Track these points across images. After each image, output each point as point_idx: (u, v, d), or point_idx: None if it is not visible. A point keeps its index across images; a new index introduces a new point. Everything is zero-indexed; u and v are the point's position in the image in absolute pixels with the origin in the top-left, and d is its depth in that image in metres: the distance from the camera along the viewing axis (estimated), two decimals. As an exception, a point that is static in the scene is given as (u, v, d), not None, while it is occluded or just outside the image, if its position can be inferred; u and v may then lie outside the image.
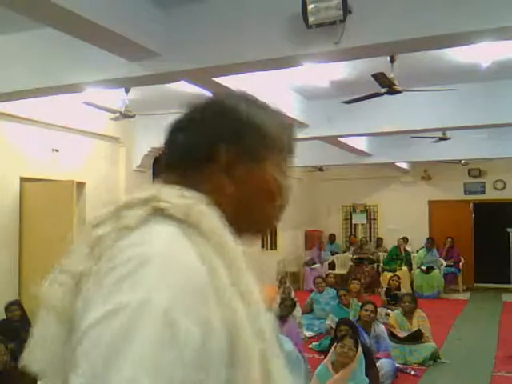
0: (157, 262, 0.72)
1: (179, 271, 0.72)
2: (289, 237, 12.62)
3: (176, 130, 0.94)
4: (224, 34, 4.08)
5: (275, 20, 3.92)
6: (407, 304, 6.79)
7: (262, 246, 11.83)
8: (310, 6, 3.54)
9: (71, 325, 0.75)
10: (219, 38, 4.12)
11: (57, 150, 7.05)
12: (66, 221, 6.54)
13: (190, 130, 0.92)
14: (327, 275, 9.62)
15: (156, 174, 0.96)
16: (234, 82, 4.96)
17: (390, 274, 10.07)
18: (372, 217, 14.03)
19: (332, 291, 8.24)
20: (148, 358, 0.65)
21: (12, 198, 6.51)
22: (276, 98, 6.41)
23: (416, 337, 6.39)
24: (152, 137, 7.92)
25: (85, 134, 7.50)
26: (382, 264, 11.97)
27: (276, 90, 6.47)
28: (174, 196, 0.82)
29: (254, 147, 0.93)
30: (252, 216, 0.94)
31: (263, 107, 0.99)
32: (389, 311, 7.64)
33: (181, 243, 0.76)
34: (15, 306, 6.01)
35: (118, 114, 6.45)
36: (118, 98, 6.43)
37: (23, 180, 6.62)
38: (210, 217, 0.81)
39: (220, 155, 0.90)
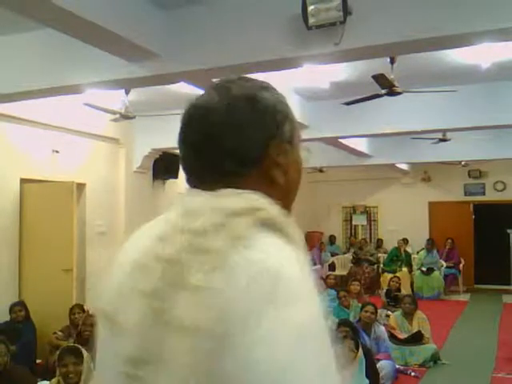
0: (290, 276, 0.76)
1: (308, 283, 0.78)
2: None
3: (213, 135, 0.89)
4: (224, 36, 4.09)
5: (275, 21, 3.93)
6: (407, 305, 6.79)
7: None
8: (310, 8, 3.54)
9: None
10: (219, 40, 4.13)
11: (57, 151, 7.05)
12: (66, 222, 6.54)
13: (235, 133, 0.89)
14: (327, 276, 9.61)
15: (191, 179, 0.94)
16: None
17: (391, 275, 10.06)
18: (372, 218, 14.03)
19: (332, 292, 8.24)
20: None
21: (12, 198, 6.51)
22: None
23: (416, 338, 6.39)
24: (152, 138, 7.92)
25: (85, 135, 7.50)
26: (382, 265, 11.97)
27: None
28: (267, 204, 0.83)
29: (288, 132, 0.94)
30: (292, 199, 0.99)
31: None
32: (389, 312, 7.62)
33: (291, 253, 0.80)
34: (19, 306, 6.02)
35: (118, 116, 6.45)
36: (118, 99, 6.43)
37: (23, 181, 6.62)
38: (292, 224, 0.85)
39: (271, 151, 0.91)
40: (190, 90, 5.59)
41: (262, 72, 4.89)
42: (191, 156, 0.92)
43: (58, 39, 4.25)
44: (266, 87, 0.95)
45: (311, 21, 3.57)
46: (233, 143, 0.88)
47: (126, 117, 6.46)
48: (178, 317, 0.74)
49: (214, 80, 1.01)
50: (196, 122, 0.91)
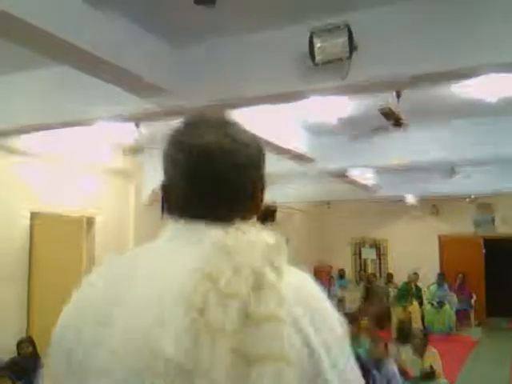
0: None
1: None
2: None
3: (223, 171, 0.98)
4: (233, 71, 4.18)
5: (283, 56, 4.02)
6: (418, 340, 6.69)
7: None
8: (317, 45, 3.62)
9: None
10: (228, 75, 4.22)
11: (67, 185, 7.13)
12: (76, 256, 6.57)
13: (240, 172, 1.00)
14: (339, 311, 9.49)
15: (190, 211, 1.00)
16: (242, 118, 5.04)
17: (401, 310, 9.94)
18: (381, 252, 13.95)
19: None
20: None
21: (22, 232, 6.55)
22: (284, 133, 6.49)
23: (429, 375, 6.28)
24: (161, 171, 7.99)
25: (95, 169, 7.59)
26: (392, 300, 11.84)
27: (284, 126, 6.55)
28: (282, 239, 0.96)
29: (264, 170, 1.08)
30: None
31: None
32: (400, 348, 7.51)
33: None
34: (27, 342, 5.99)
35: (128, 149, 6.54)
36: (128, 133, 6.53)
37: (33, 215, 6.68)
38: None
39: (262, 185, 1.06)
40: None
41: (270, 104, 4.99)
42: (200, 191, 0.99)
43: (71, 74, 4.36)
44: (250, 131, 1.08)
45: (318, 57, 3.65)
46: (244, 180, 1.00)
47: (136, 151, 6.55)
48: (265, 348, 0.80)
49: (198, 116, 1.07)
50: (209, 161, 0.97)
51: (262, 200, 1.06)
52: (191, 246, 0.93)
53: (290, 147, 6.61)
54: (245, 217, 0.99)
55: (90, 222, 7.35)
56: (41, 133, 5.71)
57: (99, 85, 4.28)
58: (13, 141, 6.04)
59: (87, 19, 3.53)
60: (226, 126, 1.03)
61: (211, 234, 0.93)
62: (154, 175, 8.23)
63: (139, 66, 3.97)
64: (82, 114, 4.84)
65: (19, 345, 5.93)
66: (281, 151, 6.61)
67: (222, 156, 0.98)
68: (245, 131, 1.05)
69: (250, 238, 0.91)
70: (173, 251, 0.96)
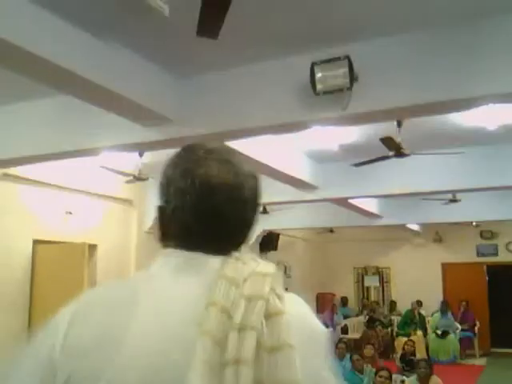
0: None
1: None
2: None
3: (225, 206, 1.00)
4: (235, 101, 4.24)
5: (284, 87, 4.07)
6: (422, 370, 6.61)
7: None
8: (318, 75, 3.67)
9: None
10: (230, 105, 4.27)
11: (70, 213, 7.15)
12: (78, 283, 6.54)
13: (242, 207, 1.02)
14: (340, 340, 9.41)
15: (192, 242, 1.01)
16: (246, 146, 5.09)
17: (405, 339, 9.84)
18: (384, 279, 13.87)
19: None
20: None
21: (24, 259, 6.55)
22: (287, 161, 6.53)
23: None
24: (159, 192, 8.03)
25: (97, 196, 7.62)
26: (396, 328, 11.72)
27: (287, 153, 6.59)
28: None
29: None
30: None
31: None
32: (404, 378, 7.41)
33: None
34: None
35: (131, 177, 6.58)
36: (131, 160, 6.57)
37: (36, 242, 6.68)
38: None
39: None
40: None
41: (272, 134, 5.03)
42: (201, 222, 0.99)
43: (76, 104, 4.41)
44: None
45: (319, 87, 3.70)
46: (245, 214, 1.03)
47: (139, 179, 6.58)
48: (282, 375, 0.85)
49: (201, 144, 1.06)
50: (212, 195, 0.99)
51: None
52: (194, 277, 0.94)
53: (293, 174, 6.64)
54: (240, 246, 1.03)
55: (92, 249, 7.35)
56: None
57: (102, 114, 4.34)
58: (16, 168, 6.09)
59: (90, 49, 3.59)
60: (229, 158, 1.04)
61: (215, 266, 0.94)
62: (156, 203, 8.26)
63: (142, 95, 4.02)
64: (85, 143, 4.88)
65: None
66: (283, 178, 6.64)
67: (225, 191, 0.99)
68: (245, 164, 1.05)
69: (254, 269, 0.94)
70: (176, 282, 0.96)
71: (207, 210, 0.99)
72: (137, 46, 3.88)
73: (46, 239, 6.78)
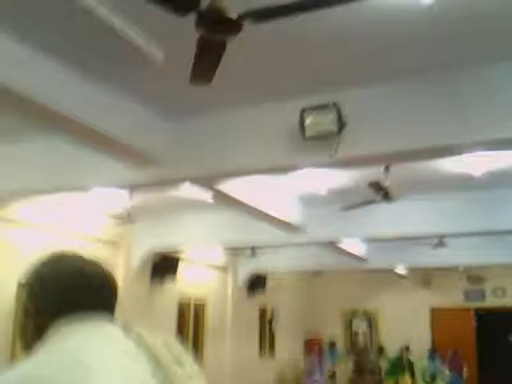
0: None
1: None
2: (286, 344, 12.32)
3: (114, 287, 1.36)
4: (223, 143, 4.29)
5: (274, 130, 4.13)
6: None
7: (260, 354, 11.52)
8: (307, 121, 3.74)
9: None
10: (219, 146, 4.32)
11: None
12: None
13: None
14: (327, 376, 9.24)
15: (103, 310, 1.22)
16: (236, 188, 5.15)
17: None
18: (372, 323, 13.75)
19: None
20: None
21: (9, 302, 6.42)
22: (276, 203, 6.55)
23: None
24: (149, 239, 8.01)
25: (85, 237, 7.56)
26: (384, 374, 11.55)
27: (276, 196, 6.63)
28: None
29: None
30: None
31: None
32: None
33: None
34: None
35: (120, 220, 6.56)
36: (119, 202, 6.56)
37: (21, 285, 6.56)
38: None
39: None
40: (188, 194, 5.75)
41: (261, 176, 5.08)
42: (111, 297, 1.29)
43: (64, 145, 4.45)
44: None
45: (308, 133, 3.76)
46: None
47: (127, 221, 6.57)
48: None
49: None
50: (109, 280, 1.33)
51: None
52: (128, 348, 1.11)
53: (281, 217, 6.66)
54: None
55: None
56: (32, 202, 5.73)
57: (91, 153, 4.37)
58: (3, 209, 6.04)
59: (79, 90, 3.64)
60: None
61: (144, 337, 1.15)
62: (143, 243, 8.21)
63: (131, 137, 4.06)
64: (72, 180, 4.89)
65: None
66: (271, 220, 6.66)
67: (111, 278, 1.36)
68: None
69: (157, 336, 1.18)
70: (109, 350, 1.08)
71: (107, 288, 1.33)
72: (127, 88, 3.93)
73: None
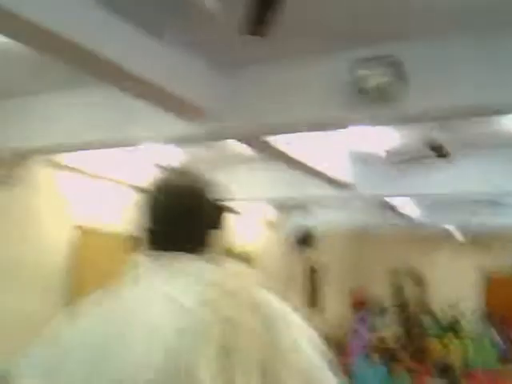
0: None
1: None
2: (334, 302, 12.42)
3: (177, 209, 1.24)
4: (276, 97, 4.21)
5: (328, 84, 4.02)
6: (456, 375, 6.48)
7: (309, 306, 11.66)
8: (363, 74, 3.62)
9: None
10: (271, 101, 4.25)
11: (110, 202, 7.27)
12: (117, 272, 6.65)
13: (191, 213, 1.24)
14: (375, 340, 9.30)
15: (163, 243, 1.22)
16: (287, 144, 5.11)
17: (440, 343, 9.67)
18: (421, 283, 13.62)
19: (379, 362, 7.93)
20: None
21: (64, 245, 6.67)
22: (325, 159, 6.48)
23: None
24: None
25: (137, 187, 7.71)
26: (430, 333, 11.51)
27: (325, 151, 6.54)
28: None
29: None
30: None
31: None
32: (437, 382, 7.29)
33: None
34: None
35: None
36: (171, 156, 6.64)
37: (77, 228, 6.79)
38: None
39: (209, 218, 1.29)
40: (238, 150, 5.75)
41: (312, 131, 5.00)
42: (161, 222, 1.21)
43: (115, 95, 4.48)
44: None
45: (363, 86, 3.65)
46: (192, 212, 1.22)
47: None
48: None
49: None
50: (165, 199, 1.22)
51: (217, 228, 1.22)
52: (179, 280, 1.07)
53: (331, 174, 6.59)
54: (202, 248, 1.16)
55: (135, 241, 7.42)
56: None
57: (143, 106, 4.39)
58: (59, 156, 6.23)
59: (133, 43, 3.62)
60: (184, 172, 1.28)
61: (204, 274, 1.08)
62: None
63: (183, 89, 4.04)
64: (124, 134, 4.94)
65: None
66: (320, 177, 6.60)
67: (169, 195, 1.21)
68: (198, 177, 1.26)
69: (239, 273, 1.10)
70: (162, 287, 1.07)
71: (158, 211, 1.20)
72: (179, 41, 3.90)
73: (86, 226, 6.90)
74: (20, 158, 5.78)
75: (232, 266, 1.11)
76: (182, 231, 1.16)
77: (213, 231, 1.21)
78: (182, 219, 1.17)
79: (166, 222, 1.18)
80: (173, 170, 1.29)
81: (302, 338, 1.05)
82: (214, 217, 1.21)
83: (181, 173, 1.26)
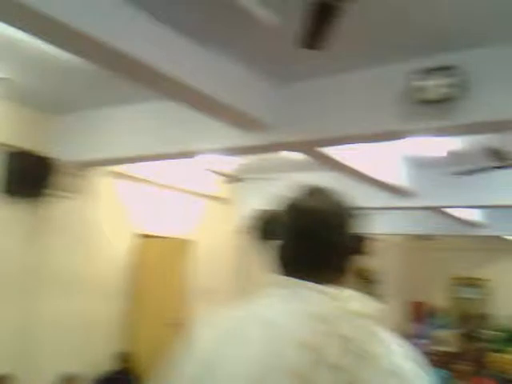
0: None
1: None
2: (391, 308, 12.18)
3: (319, 228, 1.17)
4: (332, 109, 4.20)
5: (383, 95, 3.97)
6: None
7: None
8: (418, 83, 3.56)
9: None
10: (327, 111, 4.24)
11: (170, 209, 7.43)
12: (175, 277, 6.80)
13: (333, 231, 1.21)
14: (434, 352, 9.07)
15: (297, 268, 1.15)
16: (340, 150, 5.08)
17: (503, 356, 9.31)
18: (483, 292, 13.18)
19: (440, 371, 7.73)
20: None
21: (125, 252, 6.87)
22: (382, 166, 6.38)
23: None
24: (257, 199, 8.15)
25: (196, 194, 7.86)
26: (493, 345, 11.11)
27: (382, 158, 6.44)
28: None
29: None
30: None
31: None
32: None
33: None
34: (122, 357, 6.29)
35: (230, 178, 6.74)
36: (229, 162, 6.73)
37: (137, 236, 6.98)
38: None
39: (349, 249, 1.28)
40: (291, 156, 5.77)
41: (369, 142, 4.95)
42: (297, 242, 1.15)
43: (176, 108, 4.59)
44: None
45: (419, 96, 3.58)
46: (336, 238, 1.17)
47: (236, 179, 6.73)
48: None
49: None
50: (303, 218, 1.16)
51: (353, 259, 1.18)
52: (294, 304, 1.06)
53: (387, 180, 6.48)
54: (337, 272, 1.13)
55: (189, 244, 7.56)
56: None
57: (201, 118, 4.48)
58: (120, 166, 6.43)
59: (193, 56, 3.70)
60: (322, 190, 1.21)
61: (312, 300, 1.05)
62: (249, 203, 8.38)
63: (241, 101, 4.10)
64: (184, 146, 5.05)
65: (114, 359, 6.23)
66: (374, 183, 6.50)
67: (310, 214, 1.14)
68: (337, 195, 1.20)
69: (347, 306, 1.03)
70: (278, 312, 1.07)
71: (296, 230, 1.13)
72: (237, 54, 3.95)
73: (146, 234, 7.07)
74: (83, 170, 6.00)
75: (356, 295, 1.09)
76: (321, 257, 1.13)
77: (351, 257, 1.18)
78: (324, 246, 1.13)
79: (306, 247, 1.13)
80: (310, 190, 1.20)
81: (405, 364, 1.04)
82: (354, 243, 1.19)
83: (319, 194, 1.19)
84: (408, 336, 11.79)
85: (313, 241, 1.12)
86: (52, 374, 5.55)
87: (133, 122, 5.29)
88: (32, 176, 5.37)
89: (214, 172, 6.75)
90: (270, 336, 1.02)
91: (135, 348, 6.62)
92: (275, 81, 4.38)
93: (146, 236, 7.07)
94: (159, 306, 6.83)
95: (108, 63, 3.51)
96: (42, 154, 5.50)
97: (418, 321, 12.12)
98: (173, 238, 7.15)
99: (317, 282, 1.08)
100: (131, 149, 5.35)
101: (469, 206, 7.84)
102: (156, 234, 7.19)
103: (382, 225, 10.10)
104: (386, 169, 6.49)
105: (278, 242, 1.17)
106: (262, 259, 1.19)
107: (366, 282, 11.66)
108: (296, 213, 1.15)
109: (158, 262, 6.96)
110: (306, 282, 1.08)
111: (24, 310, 5.58)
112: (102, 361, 6.23)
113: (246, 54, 3.95)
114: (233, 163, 6.72)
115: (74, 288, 6.03)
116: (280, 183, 8.00)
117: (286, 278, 1.12)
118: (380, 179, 6.27)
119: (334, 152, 5.10)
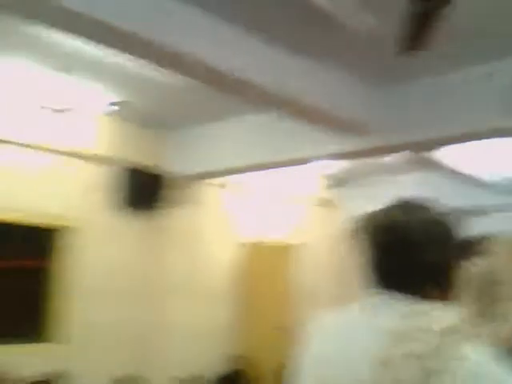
0: None
1: None
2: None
3: (402, 246, 1.15)
4: (435, 110, 4.14)
5: (485, 94, 3.86)
6: None
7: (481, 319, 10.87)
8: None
9: None
10: (431, 114, 4.18)
11: (274, 216, 7.54)
12: (281, 282, 6.88)
13: (419, 248, 1.15)
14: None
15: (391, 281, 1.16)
16: (445, 153, 4.96)
17: None
18: None
19: None
20: None
21: (233, 259, 7.02)
22: (487, 165, 6.10)
23: None
24: (358, 202, 8.08)
25: (300, 199, 7.91)
26: None
27: (486, 157, 6.15)
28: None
29: None
30: None
31: None
32: None
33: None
34: (236, 360, 6.51)
35: (333, 182, 6.74)
36: (331, 166, 6.75)
37: (242, 244, 7.11)
38: None
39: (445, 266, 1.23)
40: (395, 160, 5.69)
41: (474, 141, 4.79)
42: (380, 258, 1.17)
43: (281, 118, 4.74)
44: None
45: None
46: (424, 256, 1.13)
47: (340, 183, 6.73)
48: None
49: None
50: (386, 234, 1.17)
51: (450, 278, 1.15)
52: (381, 318, 1.09)
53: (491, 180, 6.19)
54: (430, 291, 1.11)
55: (294, 249, 7.62)
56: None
57: (304, 127, 4.58)
58: (222, 178, 6.64)
59: (292, 69, 3.84)
60: (413, 206, 1.19)
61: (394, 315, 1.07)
62: (353, 207, 8.30)
63: (344, 108, 4.17)
64: (292, 154, 5.18)
65: (227, 361, 6.46)
66: (481, 185, 6.23)
67: (392, 230, 1.14)
68: (431, 212, 1.17)
69: (420, 324, 1.03)
70: (364, 322, 1.13)
71: (378, 246, 1.15)
72: (335, 61, 4.00)
73: (252, 241, 7.21)
74: (191, 181, 6.31)
75: (443, 311, 1.07)
76: (406, 273, 1.12)
77: (453, 271, 1.15)
78: (406, 262, 1.12)
79: (388, 263, 1.14)
80: (399, 204, 1.19)
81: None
82: (461, 251, 1.17)
83: (407, 208, 1.17)
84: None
85: (395, 257, 1.12)
86: (172, 375, 5.90)
87: (239, 135, 5.50)
88: (148, 190, 5.78)
89: (317, 177, 6.79)
90: (347, 350, 1.11)
91: (247, 351, 6.78)
92: (375, 85, 4.37)
93: (252, 244, 7.20)
94: (267, 311, 6.95)
95: (213, 82, 3.73)
96: (156, 170, 5.89)
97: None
98: (278, 244, 7.25)
99: (406, 298, 1.09)
100: (241, 160, 5.56)
101: None
102: (262, 241, 7.31)
103: (495, 226, 9.57)
104: (492, 167, 6.19)
105: (369, 254, 1.19)
106: (363, 263, 1.22)
107: (490, 291, 10.98)
108: (378, 228, 1.16)
109: (265, 268, 7.08)
110: (392, 297, 1.11)
111: (147, 315, 5.98)
112: (217, 363, 6.47)
113: (344, 60, 3.99)
114: (336, 168, 6.72)
115: (189, 295, 6.32)
116: (383, 186, 7.87)
117: (375, 290, 1.15)
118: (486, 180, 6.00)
119: (438, 153, 5.00)
